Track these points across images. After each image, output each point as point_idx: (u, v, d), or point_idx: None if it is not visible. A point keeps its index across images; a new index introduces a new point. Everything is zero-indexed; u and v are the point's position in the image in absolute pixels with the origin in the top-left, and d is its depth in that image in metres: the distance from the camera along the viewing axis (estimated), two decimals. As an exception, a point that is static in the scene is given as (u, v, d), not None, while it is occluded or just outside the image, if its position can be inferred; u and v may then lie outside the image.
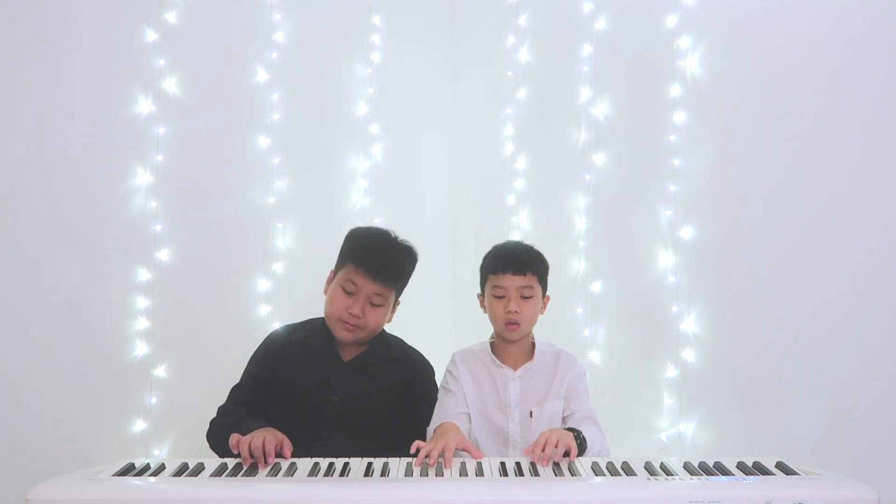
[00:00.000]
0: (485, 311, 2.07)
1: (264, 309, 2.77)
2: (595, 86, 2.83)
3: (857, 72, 2.21)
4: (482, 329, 2.09)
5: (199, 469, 1.66)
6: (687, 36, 2.57)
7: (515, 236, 3.00)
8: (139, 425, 2.56)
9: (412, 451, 1.72)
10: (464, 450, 1.77)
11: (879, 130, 2.17)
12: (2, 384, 2.39)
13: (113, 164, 2.57)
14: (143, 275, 2.59)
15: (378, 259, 2.02)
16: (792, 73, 2.33)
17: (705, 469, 1.64)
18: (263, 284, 2.78)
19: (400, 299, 2.13)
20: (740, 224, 2.43)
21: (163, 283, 2.60)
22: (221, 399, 2.11)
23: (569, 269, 2.87)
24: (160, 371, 2.60)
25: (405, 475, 1.63)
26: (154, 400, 2.58)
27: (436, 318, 3.08)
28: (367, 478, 1.62)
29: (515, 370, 2.02)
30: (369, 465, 1.70)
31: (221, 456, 1.89)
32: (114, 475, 1.61)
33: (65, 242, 2.49)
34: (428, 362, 2.18)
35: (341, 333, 2.04)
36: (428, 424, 2.01)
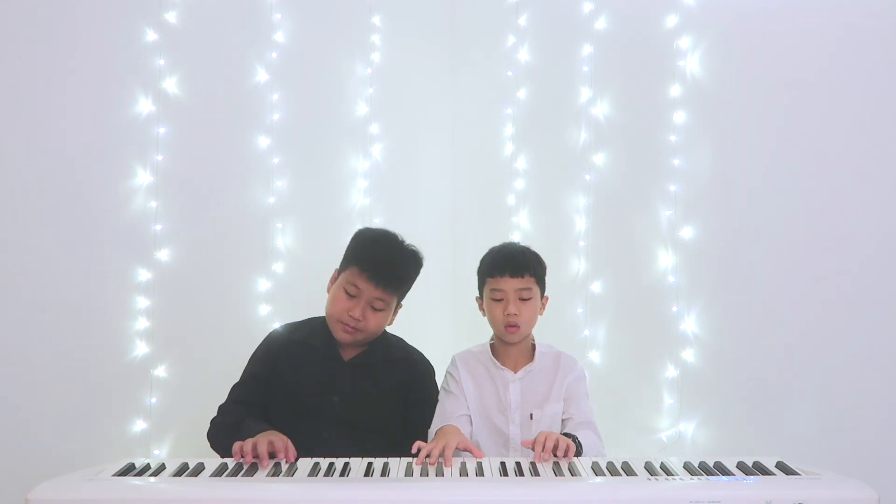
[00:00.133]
0: (484, 315, 2.06)
1: (264, 309, 2.77)
2: (595, 86, 2.83)
3: (858, 71, 2.21)
4: (482, 329, 2.09)
5: (199, 469, 1.66)
6: (687, 36, 2.57)
7: (515, 236, 3.00)
8: (139, 425, 2.56)
9: (413, 451, 1.72)
10: (465, 450, 1.77)
11: (880, 130, 2.17)
12: (2, 384, 2.39)
13: (113, 164, 2.57)
14: (143, 275, 2.59)
15: (383, 265, 2.01)
16: (792, 72, 2.33)
17: (705, 469, 1.64)
18: (263, 284, 2.78)
19: (402, 303, 2.13)
20: (740, 224, 2.43)
21: (163, 283, 2.60)
22: (221, 399, 2.11)
23: (569, 269, 2.87)
24: (160, 371, 2.60)
25: (405, 475, 1.63)
26: (154, 400, 2.58)
27: (436, 318, 3.08)
28: (367, 478, 1.62)
29: (516, 372, 2.02)
30: (369, 465, 1.70)
31: (222, 455, 1.89)
32: (114, 475, 1.61)
33: (65, 242, 2.48)
34: (428, 362, 2.18)
35: (340, 335, 2.04)
36: (429, 425, 2.01)
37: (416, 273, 2.10)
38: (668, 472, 1.61)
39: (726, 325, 2.46)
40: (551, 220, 2.95)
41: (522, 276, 1.98)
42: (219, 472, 1.65)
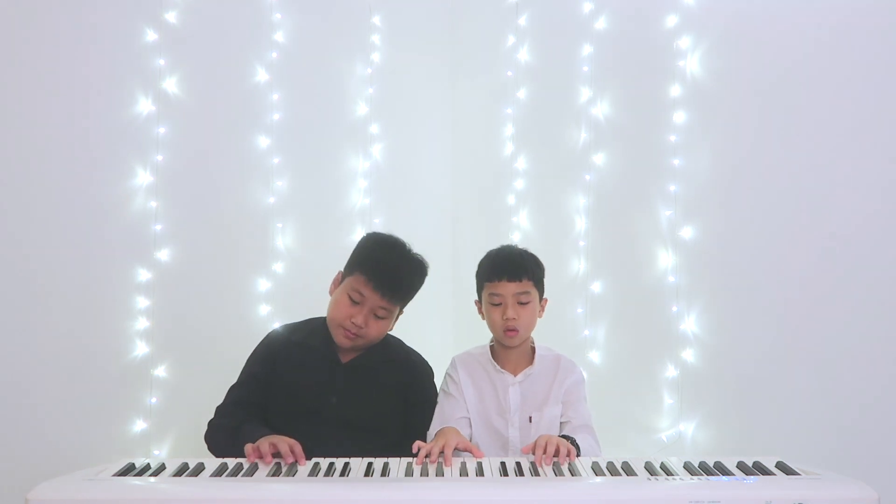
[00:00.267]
0: (483, 318, 2.06)
1: (264, 309, 2.77)
2: (595, 86, 2.83)
3: (858, 71, 2.21)
4: (483, 330, 2.09)
5: (199, 469, 1.66)
6: (687, 36, 2.57)
7: (515, 237, 3.00)
8: (139, 425, 2.56)
9: (413, 450, 1.72)
10: (465, 450, 1.77)
11: (880, 130, 2.17)
12: (2, 384, 2.39)
13: (113, 164, 2.57)
14: (143, 275, 2.59)
15: (389, 275, 2.00)
16: (792, 72, 2.33)
17: (705, 469, 1.64)
18: (263, 284, 2.78)
19: (404, 310, 2.12)
20: (740, 224, 2.43)
21: (163, 283, 2.60)
22: (221, 399, 2.11)
23: (569, 269, 2.87)
24: (160, 371, 2.60)
25: (405, 475, 1.63)
26: (154, 400, 2.58)
27: (436, 319, 3.08)
28: (367, 478, 1.62)
29: (515, 375, 2.02)
30: (369, 465, 1.70)
31: (220, 458, 1.88)
32: (114, 475, 1.61)
33: (65, 242, 2.48)
34: (427, 364, 2.17)
35: (340, 339, 2.03)
36: (428, 427, 2.01)
37: (421, 283, 2.09)
38: (668, 472, 1.61)
39: (726, 325, 2.46)
40: (551, 220, 2.95)
41: (521, 280, 1.98)
42: (219, 472, 1.65)
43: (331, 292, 2.09)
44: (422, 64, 3.22)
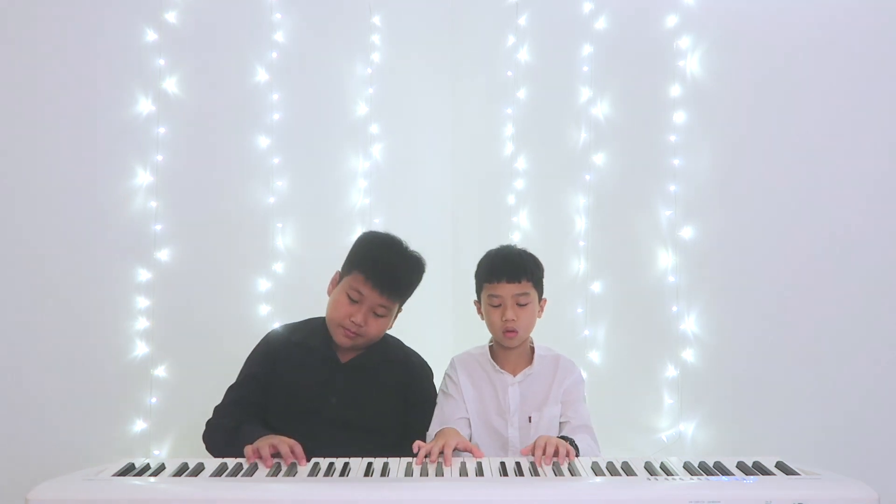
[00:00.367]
0: (482, 318, 2.06)
1: (264, 309, 2.77)
2: (595, 86, 2.83)
3: (858, 71, 2.21)
4: (482, 330, 2.08)
5: (199, 469, 1.66)
6: (687, 36, 2.57)
7: (515, 236, 3.00)
8: (139, 425, 2.56)
9: (414, 450, 1.72)
10: (465, 450, 1.77)
11: (880, 130, 2.17)
12: (2, 384, 2.39)
13: (113, 164, 2.57)
14: (143, 275, 2.59)
15: (387, 273, 2.00)
16: (792, 72, 2.33)
17: (705, 469, 1.64)
18: (263, 284, 2.78)
19: (402, 307, 2.12)
20: (740, 224, 2.43)
21: (163, 283, 2.60)
22: (221, 399, 2.11)
23: (569, 269, 2.87)
24: (160, 371, 2.60)
25: (405, 475, 1.63)
26: (154, 400, 2.58)
27: (436, 319, 3.08)
28: (367, 478, 1.62)
29: (515, 375, 2.02)
30: (369, 465, 1.70)
31: (218, 458, 1.88)
32: (114, 475, 1.61)
33: (65, 242, 2.49)
34: (426, 364, 2.17)
35: (341, 339, 2.03)
36: (428, 427, 2.01)
37: (419, 280, 2.10)
38: (668, 472, 1.61)
39: (726, 325, 2.46)
40: (551, 220, 2.95)
41: (520, 282, 1.97)
42: (219, 472, 1.65)
43: (329, 292, 2.09)
44: (422, 64, 3.22)
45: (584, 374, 2.63)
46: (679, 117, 2.57)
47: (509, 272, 1.97)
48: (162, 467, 1.67)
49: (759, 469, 1.64)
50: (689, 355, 2.52)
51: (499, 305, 1.98)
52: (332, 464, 1.71)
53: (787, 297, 2.32)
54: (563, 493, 1.56)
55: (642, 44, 2.70)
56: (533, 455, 1.72)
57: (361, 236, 2.14)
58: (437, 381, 2.13)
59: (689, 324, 2.53)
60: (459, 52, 3.28)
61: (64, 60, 2.52)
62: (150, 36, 2.64)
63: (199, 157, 2.71)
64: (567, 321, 2.83)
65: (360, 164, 3.01)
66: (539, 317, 2.04)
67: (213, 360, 2.59)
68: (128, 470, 1.64)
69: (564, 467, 1.66)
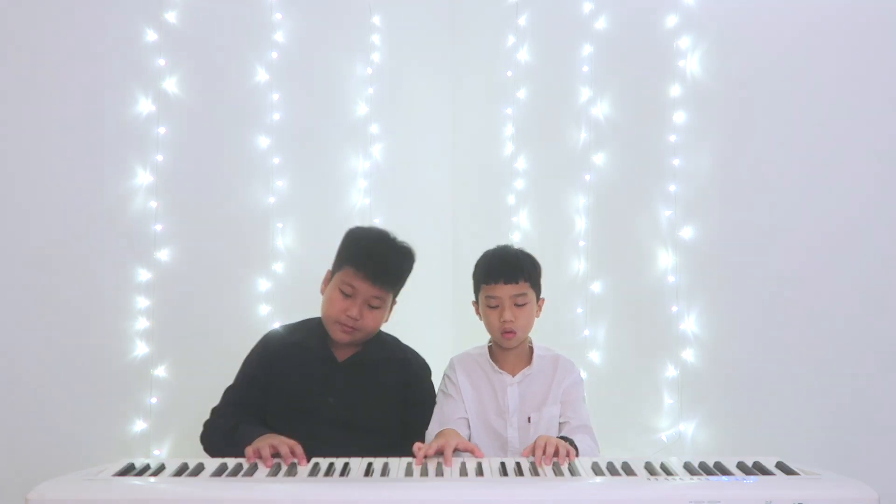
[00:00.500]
0: (480, 319, 2.06)
1: (264, 309, 2.77)
2: (595, 86, 2.83)
3: (858, 71, 2.21)
4: (482, 330, 2.08)
5: (199, 469, 1.66)
6: (687, 36, 2.57)
7: (515, 236, 3.01)
8: (139, 425, 2.56)
9: (414, 451, 1.72)
10: (465, 450, 1.77)
11: (880, 130, 2.17)
12: (2, 384, 2.39)
13: (113, 164, 2.57)
14: (143, 275, 2.59)
15: (377, 263, 2.01)
16: (792, 72, 2.33)
17: (705, 469, 1.64)
18: (263, 284, 2.78)
19: (397, 299, 2.12)
20: (740, 224, 2.43)
21: (163, 283, 2.60)
22: (219, 400, 2.11)
23: (569, 269, 2.87)
24: (160, 371, 2.60)
25: (405, 475, 1.63)
26: (154, 400, 2.58)
27: (436, 319, 3.08)
28: (367, 478, 1.62)
29: (514, 375, 2.02)
30: (369, 465, 1.70)
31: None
32: (114, 475, 1.61)
33: (65, 242, 2.49)
34: (424, 362, 2.17)
35: (338, 335, 2.04)
36: (427, 425, 2.01)
37: (410, 269, 2.10)
38: (668, 472, 1.61)
39: (726, 325, 2.46)
40: (551, 220, 2.95)
41: (517, 283, 1.97)
42: (219, 472, 1.65)
43: (322, 291, 2.09)
44: (422, 64, 3.22)
45: (584, 374, 2.64)
46: (679, 117, 2.57)
47: (506, 273, 1.97)
48: (162, 467, 1.67)
49: (759, 469, 1.64)
50: (689, 355, 2.52)
51: (496, 306, 1.98)
52: (332, 464, 1.71)
53: (787, 297, 2.32)
54: (564, 493, 1.56)
55: (642, 44, 2.70)
56: (533, 455, 1.72)
57: (347, 232, 2.14)
58: (437, 382, 2.13)
59: (689, 324, 2.53)
60: (459, 53, 3.28)
61: (64, 60, 2.52)
62: (150, 36, 2.64)
63: (199, 157, 2.71)
64: (567, 321, 2.83)
65: (360, 164, 3.01)
66: (537, 316, 2.05)
67: (213, 360, 2.58)
68: (128, 470, 1.64)
69: (564, 467, 1.66)
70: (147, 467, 1.67)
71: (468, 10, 3.27)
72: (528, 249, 2.09)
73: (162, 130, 2.63)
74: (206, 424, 2.07)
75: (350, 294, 2.01)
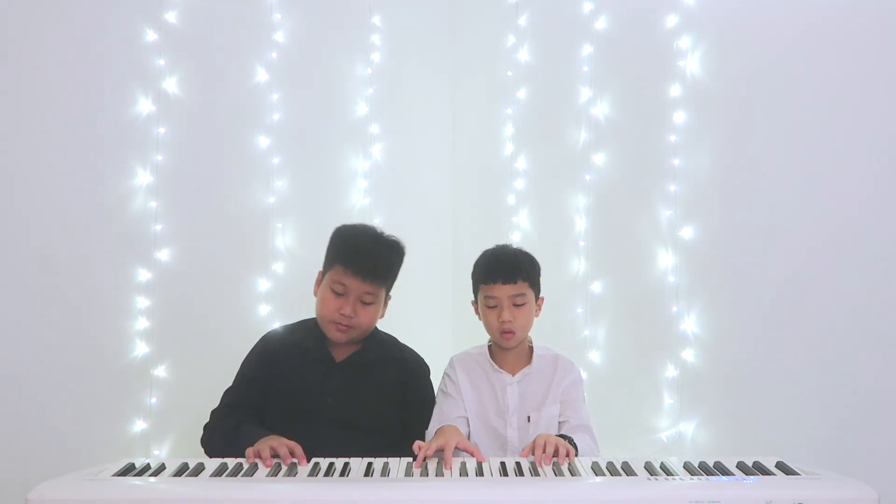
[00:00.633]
0: (480, 319, 2.06)
1: (264, 309, 2.77)
2: (595, 86, 2.83)
3: (858, 71, 2.21)
4: (482, 329, 2.08)
5: (199, 469, 1.66)
6: (687, 36, 2.57)
7: (515, 236, 3.01)
8: (139, 425, 2.56)
9: (414, 450, 1.72)
10: (465, 450, 1.77)
11: (880, 130, 2.17)
12: (2, 384, 2.39)
13: (113, 164, 2.57)
14: (143, 275, 2.59)
15: (366, 259, 2.01)
16: (792, 72, 2.33)
17: (705, 469, 1.64)
18: (263, 284, 2.78)
19: (391, 294, 2.12)
20: (740, 224, 2.43)
21: (163, 283, 2.60)
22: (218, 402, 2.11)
23: (569, 269, 2.87)
24: (160, 371, 2.60)
25: (405, 475, 1.63)
26: (154, 400, 2.58)
27: (435, 318, 3.08)
28: (367, 478, 1.62)
29: (513, 375, 2.02)
30: (369, 465, 1.70)
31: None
32: (114, 475, 1.61)
33: (65, 242, 2.49)
34: (422, 361, 2.17)
35: (334, 335, 2.04)
36: (426, 425, 2.01)
37: (400, 262, 2.10)
38: (668, 472, 1.61)
39: (726, 325, 2.46)
40: (551, 220, 2.95)
41: (515, 283, 1.97)
42: (219, 472, 1.65)
43: (315, 293, 2.09)
44: (422, 64, 3.22)
45: (584, 374, 2.64)
46: (679, 117, 2.57)
47: (505, 273, 1.97)
48: (162, 467, 1.67)
49: (759, 469, 1.64)
50: (689, 355, 2.52)
51: (495, 306, 1.98)
52: (332, 464, 1.71)
53: (787, 297, 2.32)
54: (564, 493, 1.56)
55: (642, 44, 2.70)
56: (533, 454, 1.72)
57: (334, 231, 2.13)
58: (436, 381, 2.13)
59: (689, 324, 2.53)
60: (459, 53, 3.28)
61: (64, 60, 2.51)
62: (150, 36, 2.64)
63: (199, 157, 2.71)
64: (567, 321, 2.83)
65: (360, 164, 3.01)
66: (537, 316, 2.04)
67: (213, 360, 2.59)
68: (128, 470, 1.64)
69: (564, 467, 1.66)
70: (147, 467, 1.67)
71: (468, 10, 3.27)
72: (528, 249, 2.08)
73: (162, 130, 2.63)
74: (207, 427, 2.07)
75: (342, 292, 2.01)
